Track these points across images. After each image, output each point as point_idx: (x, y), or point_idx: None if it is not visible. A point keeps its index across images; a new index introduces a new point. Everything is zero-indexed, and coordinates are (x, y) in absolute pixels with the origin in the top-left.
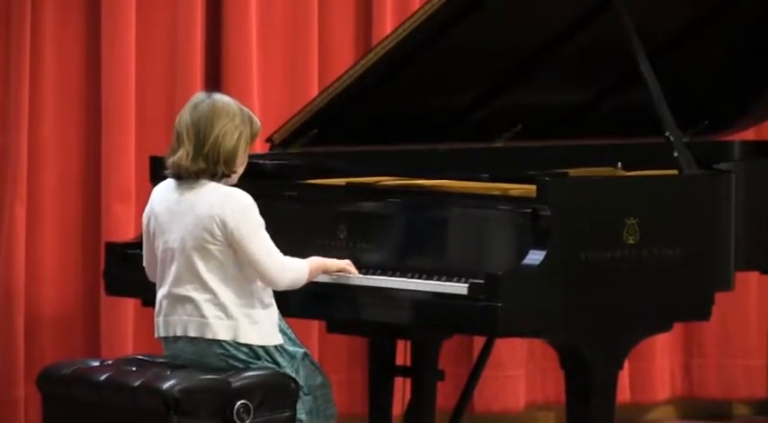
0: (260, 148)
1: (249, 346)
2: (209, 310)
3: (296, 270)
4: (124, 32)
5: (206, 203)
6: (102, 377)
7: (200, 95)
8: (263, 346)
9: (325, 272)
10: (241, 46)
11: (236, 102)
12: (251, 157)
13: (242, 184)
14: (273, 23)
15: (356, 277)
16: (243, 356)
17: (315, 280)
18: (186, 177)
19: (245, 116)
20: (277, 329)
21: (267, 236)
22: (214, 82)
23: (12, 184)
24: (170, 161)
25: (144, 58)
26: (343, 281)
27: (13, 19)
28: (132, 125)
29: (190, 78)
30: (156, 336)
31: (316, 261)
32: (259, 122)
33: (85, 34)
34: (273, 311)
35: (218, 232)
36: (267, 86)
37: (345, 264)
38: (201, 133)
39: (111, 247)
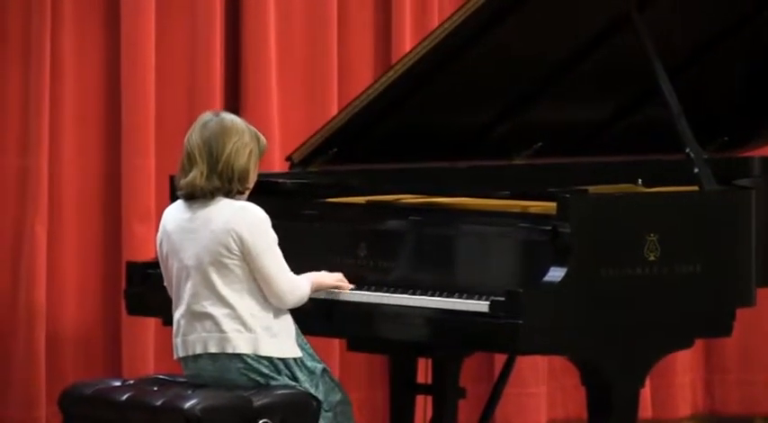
0: (280, 166)
1: (270, 360)
2: (228, 324)
3: (302, 288)
4: (144, 54)
5: (221, 218)
6: (124, 397)
7: (206, 115)
8: (282, 359)
9: (321, 288)
10: (260, 65)
11: (242, 119)
12: (271, 175)
13: (261, 202)
14: (293, 43)
15: (376, 295)
16: (264, 370)
17: (332, 298)
18: (201, 196)
19: (252, 133)
20: (295, 341)
21: (280, 252)
22: (233, 102)
23: (33, 205)
24: (184, 182)
25: (163, 78)
26: (348, 297)
27: (33, 41)
28: (152, 145)
29: (209, 99)
30: (175, 357)
31: (314, 279)
32: (265, 139)
33: (105, 56)
34: (290, 323)
35: (234, 247)
36: (287, 105)
37: (339, 279)
38: (214, 152)
39: (132, 267)
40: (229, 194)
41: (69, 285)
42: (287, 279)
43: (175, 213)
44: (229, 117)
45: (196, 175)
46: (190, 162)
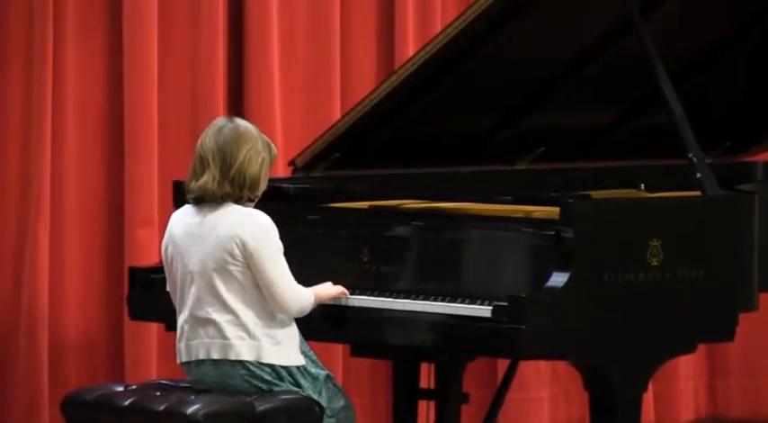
0: (282, 171)
1: (272, 367)
2: (232, 331)
3: (305, 299)
4: (146, 59)
5: (226, 224)
6: (127, 402)
7: (221, 120)
8: (285, 367)
9: (324, 299)
10: (263, 70)
11: (255, 126)
12: (274, 180)
13: (265, 207)
14: (295, 48)
15: (379, 300)
16: (267, 377)
17: (335, 304)
18: (211, 201)
19: (264, 141)
20: (299, 350)
21: (285, 261)
22: (236, 107)
23: (35, 210)
24: (195, 185)
25: (166, 83)
26: (351, 303)
27: (36, 46)
28: (155, 151)
29: (212, 104)
30: (178, 362)
31: (319, 291)
32: (275, 148)
33: (107, 61)
34: (294, 331)
35: (238, 253)
36: (289, 110)
37: (340, 291)
38: (228, 158)
39: (135, 272)
40: (239, 201)
41: (72, 290)
42: (292, 289)
43: (183, 218)
44: (243, 124)
45: (208, 180)
46: (202, 166)
